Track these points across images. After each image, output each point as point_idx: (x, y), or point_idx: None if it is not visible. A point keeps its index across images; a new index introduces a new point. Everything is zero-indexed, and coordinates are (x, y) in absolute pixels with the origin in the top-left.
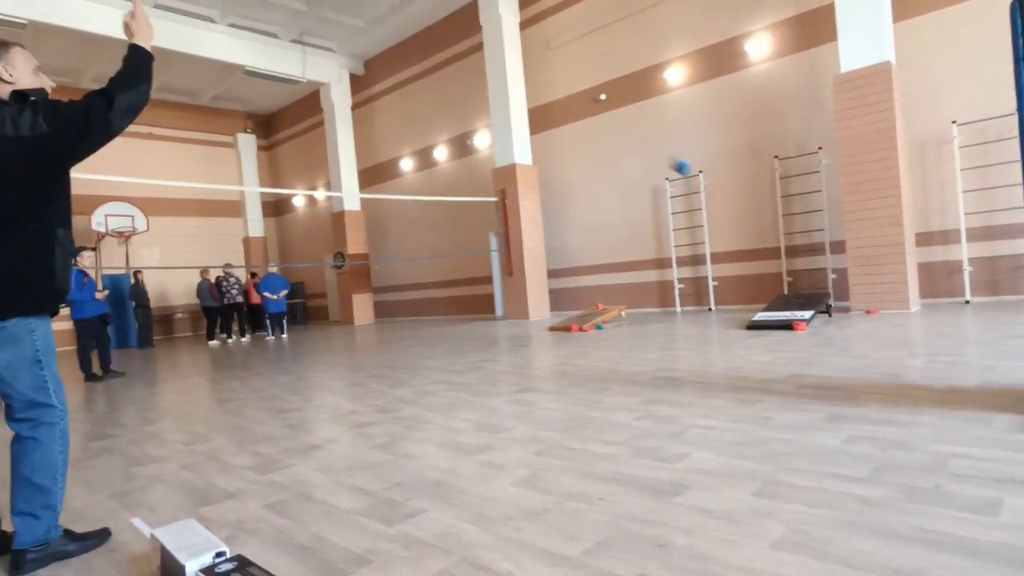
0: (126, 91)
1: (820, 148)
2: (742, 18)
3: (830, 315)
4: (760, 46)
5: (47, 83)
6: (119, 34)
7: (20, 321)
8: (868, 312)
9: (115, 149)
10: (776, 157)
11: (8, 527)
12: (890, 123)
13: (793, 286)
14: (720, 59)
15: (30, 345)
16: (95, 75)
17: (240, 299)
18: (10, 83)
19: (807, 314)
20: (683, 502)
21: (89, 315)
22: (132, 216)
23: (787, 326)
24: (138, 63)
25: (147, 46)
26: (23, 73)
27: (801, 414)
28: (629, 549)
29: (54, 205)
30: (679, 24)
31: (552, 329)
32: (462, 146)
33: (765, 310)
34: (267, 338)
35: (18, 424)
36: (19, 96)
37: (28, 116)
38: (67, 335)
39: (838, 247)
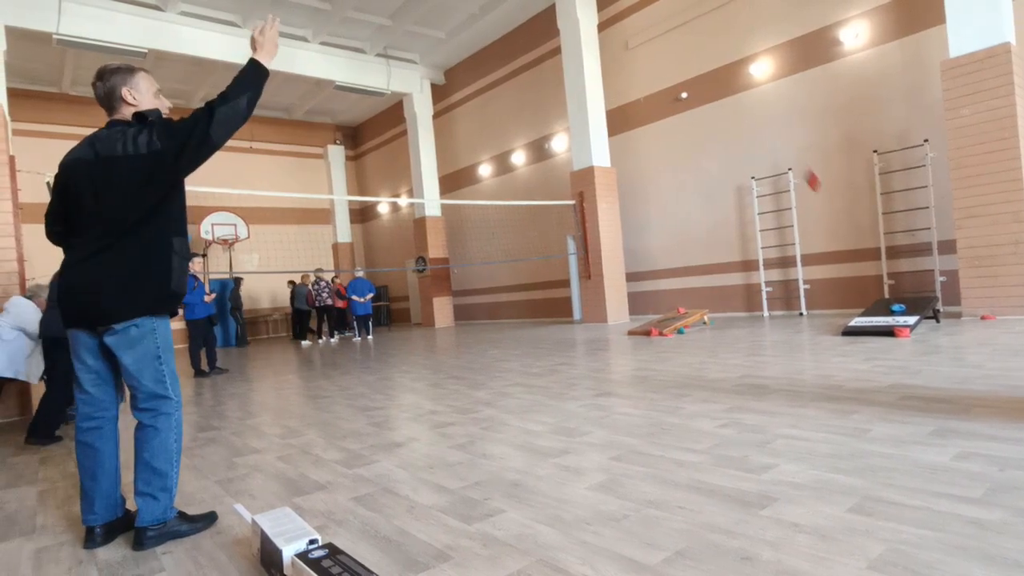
0: (226, 104)
1: (926, 140)
2: (835, 5)
3: (938, 321)
4: (856, 34)
5: (165, 105)
6: (226, 58)
7: (145, 320)
8: (983, 318)
9: (220, 163)
10: (875, 152)
11: (132, 506)
12: (1010, 110)
13: (895, 289)
14: (811, 50)
15: (152, 344)
16: (204, 96)
17: (329, 302)
18: (133, 105)
19: (911, 319)
20: (769, 515)
21: (199, 316)
22: (235, 225)
23: (888, 332)
24: (249, 75)
25: (266, 62)
26: (146, 96)
27: (904, 427)
28: (710, 560)
29: (169, 215)
30: (766, 16)
31: (631, 333)
32: (539, 150)
33: (863, 315)
34: (353, 339)
35: (141, 413)
36: (138, 116)
37: (145, 135)
38: (179, 334)
39: (947, 247)
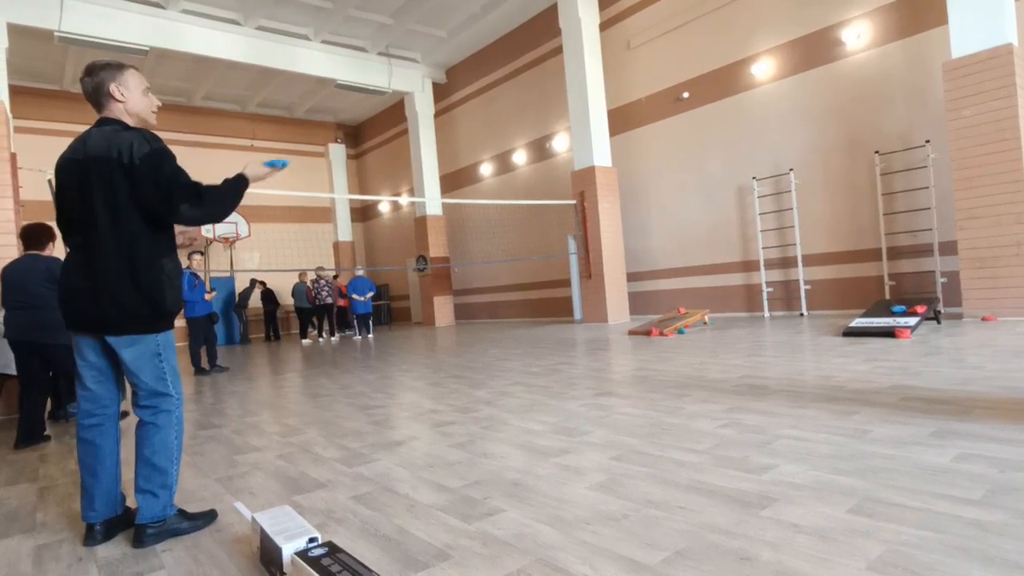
0: (204, 203)
1: (928, 141)
2: (837, 6)
3: (938, 322)
4: (858, 34)
5: (154, 103)
6: (227, 56)
7: (146, 336)
8: (984, 319)
9: (221, 162)
10: (877, 152)
11: (132, 504)
12: (1011, 111)
13: (895, 290)
14: (813, 50)
15: (152, 341)
16: (205, 94)
17: (330, 300)
18: (121, 101)
19: (912, 320)
20: (769, 515)
21: (199, 314)
22: (236, 223)
23: (889, 333)
24: (230, 187)
25: (250, 177)
26: (134, 93)
27: (904, 428)
28: (710, 561)
29: (160, 235)
30: (767, 16)
31: (631, 333)
32: (541, 150)
33: (863, 316)
34: (354, 338)
35: (142, 410)
36: (125, 125)
37: (136, 145)
38: (180, 332)
39: (948, 248)
